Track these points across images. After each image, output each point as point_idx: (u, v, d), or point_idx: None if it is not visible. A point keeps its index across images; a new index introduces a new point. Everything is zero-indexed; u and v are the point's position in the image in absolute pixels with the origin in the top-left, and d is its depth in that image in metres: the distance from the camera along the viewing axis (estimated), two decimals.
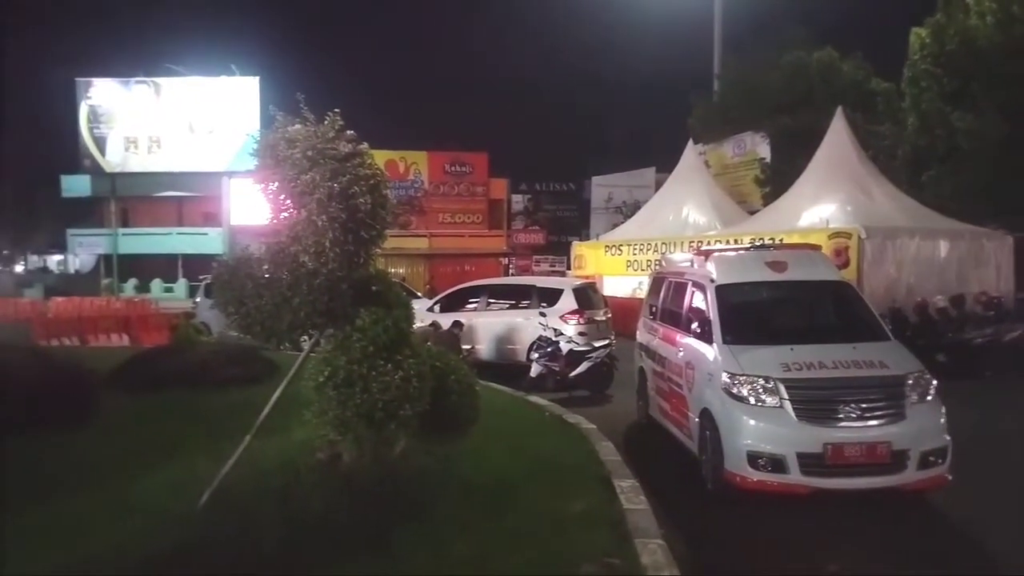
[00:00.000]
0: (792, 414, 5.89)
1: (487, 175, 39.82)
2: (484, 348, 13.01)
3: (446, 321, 12.46)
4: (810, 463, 5.74)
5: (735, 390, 6.11)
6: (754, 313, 7.28)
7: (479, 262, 37.31)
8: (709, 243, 16.46)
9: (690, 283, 7.66)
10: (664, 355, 8.02)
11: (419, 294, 18.47)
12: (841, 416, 5.83)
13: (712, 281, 7.11)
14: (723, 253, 7.98)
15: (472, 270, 34.84)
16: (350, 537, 4.40)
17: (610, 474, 6.20)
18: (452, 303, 13.90)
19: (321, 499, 4.57)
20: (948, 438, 5.94)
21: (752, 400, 6.03)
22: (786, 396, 5.94)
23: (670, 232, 21.15)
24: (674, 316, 7.99)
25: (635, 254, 21.31)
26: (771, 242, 10.42)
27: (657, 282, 9.11)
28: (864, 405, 5.87)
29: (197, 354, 10.55)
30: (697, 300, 7.32)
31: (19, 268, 59.84)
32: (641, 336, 9.26)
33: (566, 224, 40.66)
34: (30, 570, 3.62)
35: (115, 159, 39.25)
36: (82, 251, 42.32)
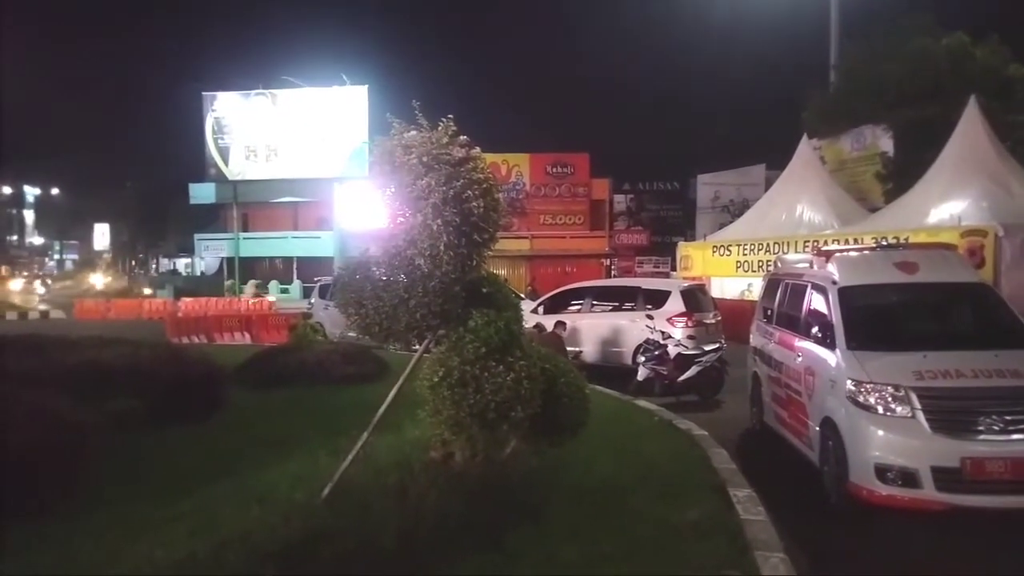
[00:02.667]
0: (925, 425, 5.51)
1: (589, 175, 39.61)
2: (588, 350, 12.91)
3: (550, 323, 12.45)
4: (946, 478, 5.35)
5: (861, 399, 5.78)
6: (881, 317, 6.85)
7: (580, 263, 37.18)
8: (827, 243, 15.67)
9: (809, 285, 7.31)
10: (781, 360, 7.69)
11: (522, 296, 18.57)
12: (981, 428, 5.40)
13: (834, 283, 6.76)
14: (846, 254, 7.57)
15: (573, 271, 34.75)
16: (464, 535, 4.46)
17: (725, 483, 6.00)
18: (556, 305, 13.89)
19: (436, 497, 4.65)
20: None
21: (880, 409, 5.68)
22: (919, 406, 5.56)
23: (783, 231, 20.32)
24: (791, 320, 7.65)
25: (745, 255, 20.61)
26: (896, 241, 9.81)
27: (772, 284, 8.76)
28: (1008, 417, 5.42)
29: (314, 353, 11.04)
30: (817, 303, 6.98)
31: (152, 270, 64.64)
32: (755, 340, 8.93)
33: (670, 224, 39.87)
34: (170, 554, 3.85)
35: (237, 167, 41.60)
36: (207, 254, 45.19)
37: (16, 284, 42.23)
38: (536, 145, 40.02)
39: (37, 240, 72.82)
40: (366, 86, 39.95)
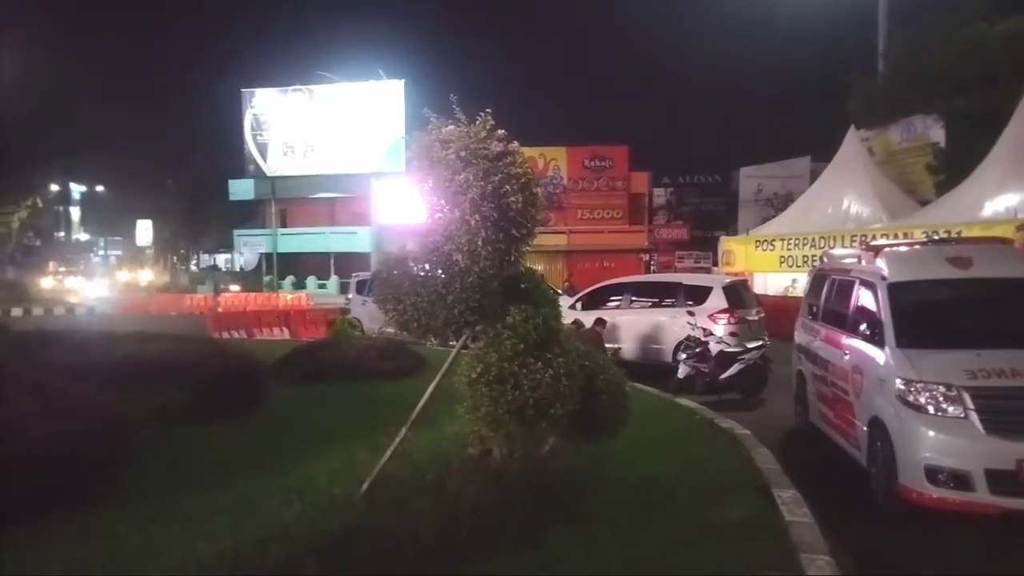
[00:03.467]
0: (979, 426, 5.31)
1: (627, 169, 39.26)
2: (627, 347, 12.78)
3: (588, 319, 12.35)
4: (1001, 481, 5.15)
5: (911, 398, 5.59)
6: (933, 314, 6.62)
7: (619, 258, 36.91)
8: (875, 237, 15.27)
9: (857, 281, 7.10)
10: (827, 358, 7.50)
11: (559, 292, 18.49)
12: None
13: (884, 279, 6.55)
14: (896, 248, 7.34)
15: (612, 267, 34.52)
16: (503, 533, 4.43)
17: (769, 483, 5.87)
18: (594, 301, 13.77)
19: (474, 494, 4.62)
20: None
21: (931, 409, 5.49)
22: (972, 406, 5.37)
23: (829, 225, 19.90)
24: (838, 316, 7.45)
25: (789, 249, 20.22)
26: (949, 235, 9.50)
27: (818, 280, 8.55)
28: None
29: (352, 348, 11.12)
30: (865, 299, 6.78)
31: (193, 266, 66.05)
32: (800, 337, 8.73)
33: (712, 218, 39.36)
34: (213, 546, 3.89)
35: (275, 164, 42.18)
36: (246, 250, 45.95)
37: (71, 281, 43.39)
38: (574, 138, 39.85)
39: (83, 236, 74.90)
40: (402, 80, 40.13)
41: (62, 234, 71.87)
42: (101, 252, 72.60)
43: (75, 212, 73.17)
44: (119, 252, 71.93)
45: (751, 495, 5.58)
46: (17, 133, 45.28)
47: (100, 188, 70.06)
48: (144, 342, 9.09)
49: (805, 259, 19.12)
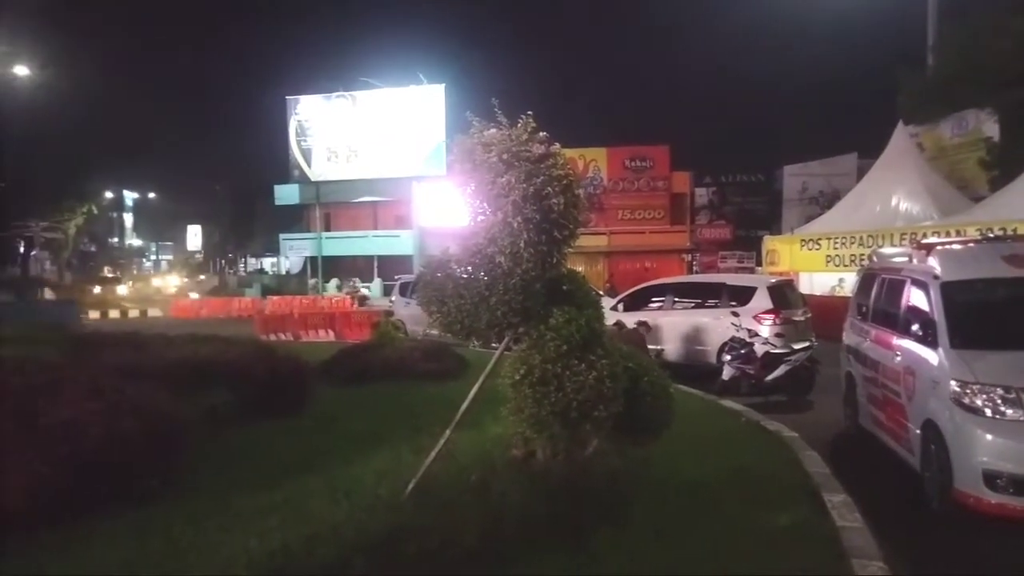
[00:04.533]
0: None
1: (669, 169, 38.84)
2: (670, 349, 12.66)
3: (630, 320, 12.28)
4: None
5: (967, 400, 5.44)
6: (988, 314, 6.42)
7: (660, 259, 36.53)
8: (926, 235, 14.85)
9: (908, 280, 6.93)
10: (877, 359, 7.33)
11: (600, 293, 18.39)
12: None
13: (936, 278, 6.38)
14: (948, 246, 7.14)
15: (653, 267, 34.21)
16: (547, 535, 4.44)
17: (818, 487, 5.76)
18: (636, 302, 13.68)
19: (518, 495, 4.64)
20: None
21: (989, 412, 5.33)
22: None
23: (877, 224, 19.41)
24: (889, 317, 7.28)
25: (836, 248, 19.80)
26: (1004, 233, 9.20)
27: (867, 279, 8.36)
28: None
29: (396, 350, 11.24)
30: (917, 299, 6.60)
31: (240, 269, 67.50)
32: (848, 338, 8.55)
33: (755, 217, 38.68)
34: (264, 544, 3.98)
35: (319, 169, 42.81)
36: (292, 254, 46.74)
37: (122, 288, 44.75)
38: (614, 138, 39.58)
39: (136, 242, 77.19)
40: (443, 84, 40.37)
41: (116, 240, 74.17)
42: (152, 257, 74.69)
43: (128, 218, 75.44)
44: (170, 257, 73.96)
45: (800, 499, 5.49)
46: (74, 143, 46.92)
47: (152, 195, 72.15)
48: (195, 344, 9.33)
49: (853, 258, 18.70)
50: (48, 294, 35.53)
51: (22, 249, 51.73)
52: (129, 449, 4.82)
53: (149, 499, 4.87)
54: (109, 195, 61.34)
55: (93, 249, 65.68)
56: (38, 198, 42.75)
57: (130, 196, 72.51)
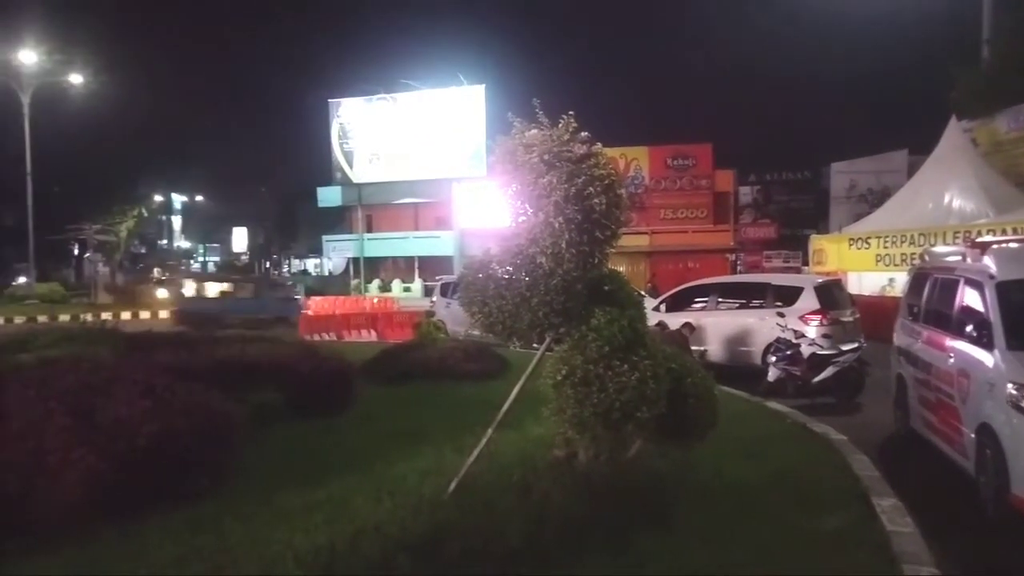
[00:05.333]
0: None
1: (712, 167, 38.35)
2: (713, 350, 12.51)
3: (672, 321, 12.17)
4: None
5: None
6: None
7: (703, 259, 36.08)
8: (980, 233, 14.41)
9: (962, 280, 6.73)
10: (929, 361, 7.14)
11: (642, 293, 18.24)
12: None
13: (992, 277, 6.18)
14: (1004, 245, 6.93)
15: (696, 267, 33.80)
16: (590, 536, 4.43)
17: (867, 490, 5.64)
18: (678, 302, 13.54)
19: (560, 496, 4.63)
20: None
21: None
22: None
23: (929, 221, 18.87)
24: (941, 317, 7.09)
25: (886, 247, 19.32)
26: None
27: (919, 279, 8.15)
28: None
29: (437, 350, 11.33)
30: (971, 299, 6.41)
31: (284, 270, 68.72)
32: (899, 339, 8.34)
33: (801, 216, 37.91)
34: (310, 540, 4.04)
35: (361, 171, 43.39)
36: (335, 255, 47.46)
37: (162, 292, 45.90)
38: (656, 137, 39.17)
39: (184, 244, 79.18)
40: (483, 85, 40.53)
41: (165, 242, 76.17)
42: (200, 259, 76.53)
43: (176, 221, 77.40)
44: (216, 258, 75.67)
45: (848, 503, 5.38)
46: (125, 147, 48.34)
47: (199, 198, 73.90)
48: (243, 344, 9.53)
49: (903, 257, 18.23)
50: (104, 297, 36.64)
51: (76, 251, 53.50)
52: (180, 446, 4.95)
53: (199, 495, 4.99)
54: (158, 198, 63.02)
55: (143, 251, 67.56)
56: (91, 202, 44.13)
57: (178, 199, 74.37)
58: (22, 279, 38.97)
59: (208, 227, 77.06)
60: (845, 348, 10.35)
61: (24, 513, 4.49)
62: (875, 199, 30.85)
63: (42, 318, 26.61)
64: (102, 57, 39.20)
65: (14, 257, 43.31)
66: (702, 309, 13.05)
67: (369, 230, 44.34)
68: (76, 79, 35.40)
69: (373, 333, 22.00)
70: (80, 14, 57.87)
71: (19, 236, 37.95)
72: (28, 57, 33.88)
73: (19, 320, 26.00)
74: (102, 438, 4.71)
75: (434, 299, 20.45)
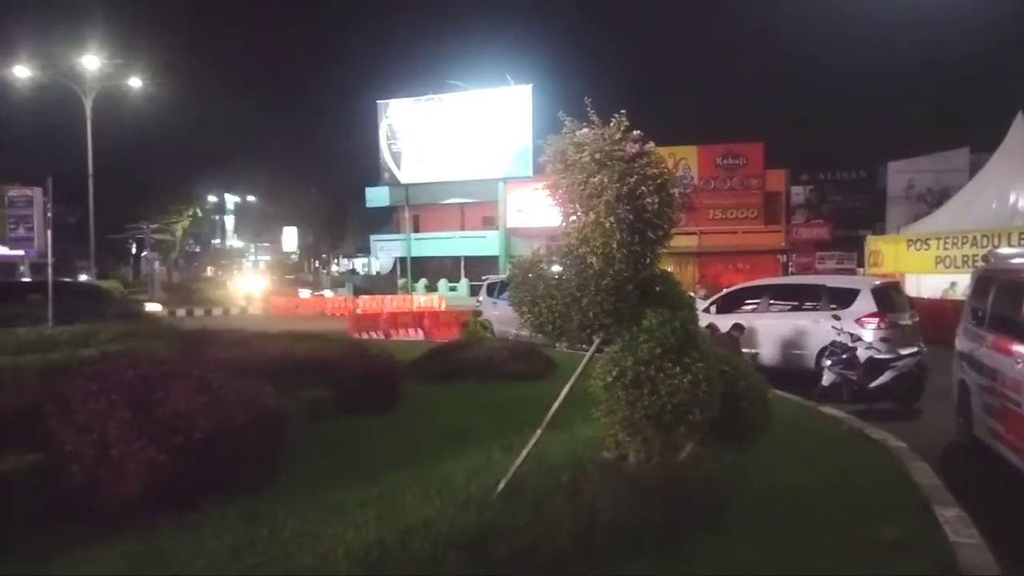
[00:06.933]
0: None
1: (763, 167, 37.70)
2: (765, 352, 12.26)
3: (723, 323, 11.96)
4: None
5: None
6: None
7: (754, 260, 35.51)
8: None
9: None
10: (995, 367, 6.86)
11: (693, 294, 17.98)
12: None
13: None
14: None
15: (746, 269, 33.25)
16: (640, 538, 4.37)
17: (928, 499, 5.45)
18: (729, 304, 13.32)
19: (610, 498, 4.58)
20: None
21: None
22: None
23: (993, 222, 18.23)
24: (1008, 322, 6.81)
25: (946, 249, 18.70)
26: None
27: (983, 282, 7.84)
28: None
29: (484, 349, 11.34)
30: None
31: (334, 270, 69.83)
32: (962, 344, 8.05)
33: (856, 216, 37.04)
34: (361, 536, 4.08)
35: (408, 171, 43.80)
36: (382, 254, 48.03)
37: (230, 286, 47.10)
38: (707, 136, 38.66)
39: (237, 243, 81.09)
40: (530, 85, 40.53)
41: (218, 241, 78.12)
42: (252, 257, 78.28)
43: (229, 221, 79.32)
44: (267, 257, 77.28)
45: (908, 511, 5.21)
46: (182, 149, 49.75)
47: (251, 198, 75.60)
48: (294, 341, 9.69)
49: (965, 259, 17.62)
50: (160, 294, 37.78)
51: (134, 250, 55.28)
52: (236, 441, 5.03)
53: (253, 489, 5.08)
54: (212, 199, 64.67)
55: (198, 250, 69.39)
56: (149, 202, 45.56)
57: (231, 199, 76.17)
58: (83, 276, 40.37)
59: (259, 227, 78.81)
60: (904, 352, 10.06)
61: (87, 503, 4.64)
62: (934, 199, 29.97)
63: None
64: (159, 61, 40.59)
65: (76, 255, 44.94)
66: (753, 311, 12.81)
67: (416, 230, 44.76)
68: (135, 83, 36.52)
69: (420, 332, 22.19)
70: (138, 20, 59.82)
71: (81, 235, 39.33)
72: (90, 62, 35.09)
73: None
74: (160, 431, 4.81)
75: (480, 299, 20.53)
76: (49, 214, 15.54)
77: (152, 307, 22.95)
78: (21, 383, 6.11)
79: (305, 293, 38.64)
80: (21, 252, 23.76)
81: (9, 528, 4.41)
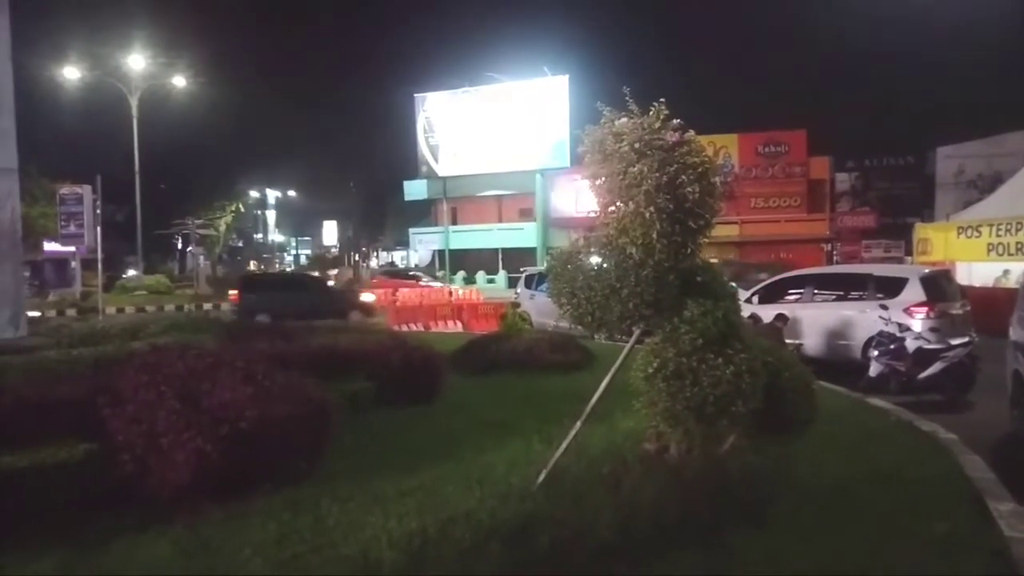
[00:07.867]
0: None
1: (806, 154, 36.95)
2: (810, 343, 12.03)
3: (765, 313, 11.77)
4: None
5: None
6: None
7: (797, 249, 34.88)
8: None
9: None
10: None
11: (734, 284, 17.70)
12: None
13: None
14: None
15: (789, 258, 32.66)
16: (682, 531, 4.33)
17: (982, 493, 5.28)
18: (772, 294, 13.10)
19: (652, 490, 4.55)
20: None
21: None
22: None
23: None
24: None
25: (999, 236, 18.08)
26: None
27: None
28: None
29: (523, 341, 11.35)
30: None
31: (373, 262, 70.54)
32: (1016, 334, 7.79)
33: (904, 203, 36.06)
34: (403, 526, 4.12)
35: (445, 164, 44.03)
36: (421, 247, 48.38)
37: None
38: (748, 124, 38.00)
39: (278, 238, 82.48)
40: (567, 76, 40.34)
41: (260, 236, 79.52)
42: (293, 252, 79.58)
43: (271, 215, 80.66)
44: (308, 251, 78.47)
45: (961, 506, 5.07)
46: (225, 146, 50.67)
47: (292, 193, 76.76)
48: (336, 333, 9.81)
49: (1019, 246, 17.04)
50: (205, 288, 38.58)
51: (180, 245, 56.55)
52: (280, 431, 5.12)
53: (298, 479, 5.17)
54: (254, 194, 65.74)
55: (240, 245, 70.67)
56: (193, 198, 46.54)
57: (272, 194, 77.42)
58: (131, 272, 41.48)
59: (300, 221, 80.00)
60: (954, 342, 9.77)
61: (138, 491, 4.78)
62: (986, 185, 29.08)
63: (150, 308, 28.21)
64: (201, 60, 41.29)
65: (124, 251, 46.21)
66: (797, 301, 12.57)
67: (454, 222, 44.96)
68: (178, 82, 37.32)
69: (459, 324, 22.26)
70: (180, 19, 61.04)
71: (128, 231, 40.47)
72: (135, 62, 35.95)
73: (129, 310, 27.64)
74: (208, 421, 4.92)
75: (518, 291, 20.52)
76: (98, 211, 16.00)
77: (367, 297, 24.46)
78: (75, 376, 6.30)
79: (435, 285, 33.09)
80: (72, 248, 24.55)
81: (66, 513, 4.57)
